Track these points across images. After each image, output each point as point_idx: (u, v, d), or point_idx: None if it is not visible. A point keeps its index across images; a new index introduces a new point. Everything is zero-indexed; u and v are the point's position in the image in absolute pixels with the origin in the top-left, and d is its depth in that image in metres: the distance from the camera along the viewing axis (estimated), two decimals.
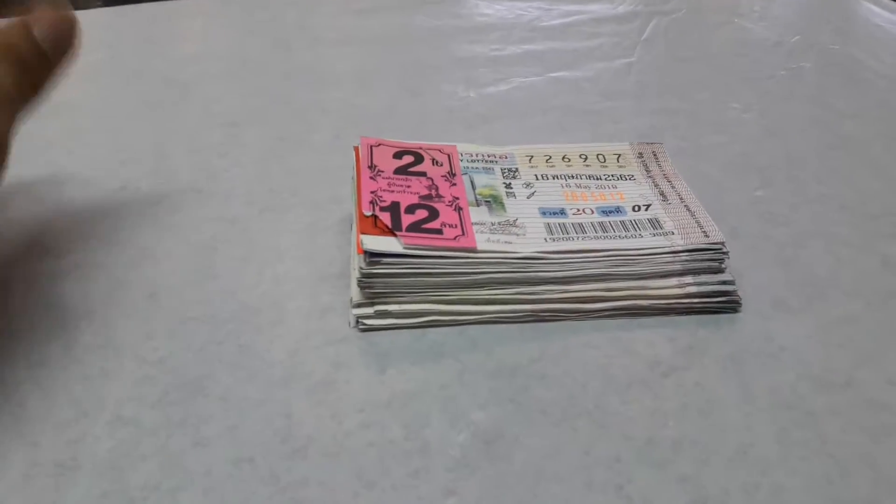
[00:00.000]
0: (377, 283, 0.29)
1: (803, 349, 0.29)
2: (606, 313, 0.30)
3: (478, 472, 0.24)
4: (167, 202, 0.36)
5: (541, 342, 0.29)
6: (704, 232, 0.31)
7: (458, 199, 0.32)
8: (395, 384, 0.27)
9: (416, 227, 0.29)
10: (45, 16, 0.28)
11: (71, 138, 0.41)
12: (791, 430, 0.26)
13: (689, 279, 0.30)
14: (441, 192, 0.32)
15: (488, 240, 0.30)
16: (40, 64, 0.27)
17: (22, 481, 0.23)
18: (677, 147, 0.40)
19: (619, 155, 0.35)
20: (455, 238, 0.29)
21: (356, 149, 0.33)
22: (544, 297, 0.29)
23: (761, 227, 0.35)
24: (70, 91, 0.45)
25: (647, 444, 0.25)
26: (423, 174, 0.33)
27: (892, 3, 0.60)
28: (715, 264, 0.30)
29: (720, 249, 0.30)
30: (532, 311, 0.29)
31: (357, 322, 0.29)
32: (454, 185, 0.32)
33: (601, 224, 0.31)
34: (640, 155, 0.35)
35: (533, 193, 0.33)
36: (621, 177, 0.34)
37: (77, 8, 0.57)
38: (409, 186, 0.32)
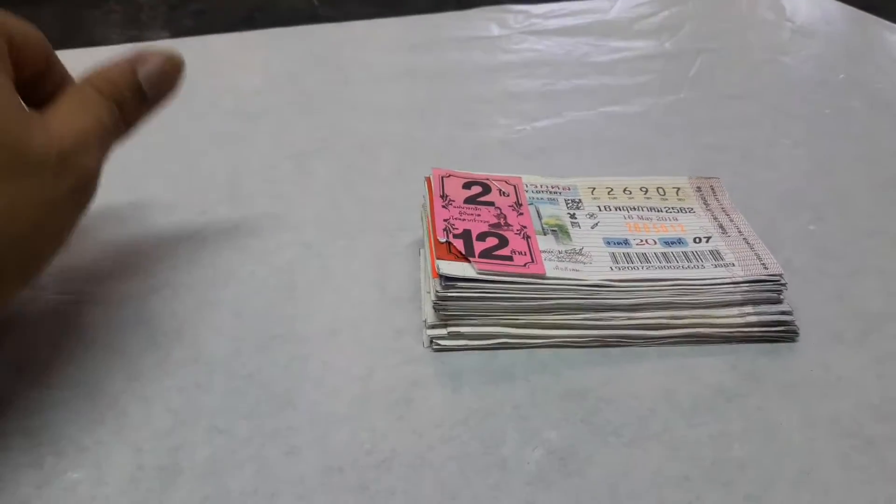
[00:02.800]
0: (451, 305, 0.30)
1: (860, 379, 0.30)
2: (671, 340, 0.31)
3: (554, 487, 0.25)
4: (245, 227, 0.38)
5: (608, 367, 0.30)
6: (763, 264, 0.32)
7: (525, 227, 0.33)
8: (470, 402, 0.28)
9: (487, 254, 0.31)
10: (153, 58, 0.30)
11: (150, 166, 0.43)
12: (852, 456, 0.27)
13: (749, 309, 0.31)
14: (509, 220, 0.33)
15: (556, 267, 0.31)
16: (138, 104, 0.29)
17: (130, 483, 0.25)
18: (730, 182, 0.41)
19: (679, 188, 0.37)
20: (525, 265, 0.31)
21: (428, 179, 0.35)
22: (611, 324, 0.31)
23: (815, 260, 0.36)
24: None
25: (713, 465, 0.26)
26: (492, 204, 0.34)
27: None
28: (773, 295, 0.31)
29: (779, 281, 0.31)
30: (599, 336, 0.31)
31: (431, 342, 0.30)
32: (521, 214, 0.34)
33: (664, 254, 0.32)
34: (699, 189, 0.37)
35: (597, 224, 0.34)
36: (681, 209, 0.35)
37: (145, 39, 0.60)
38: (479, 215, 0.33)
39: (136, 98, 0.29)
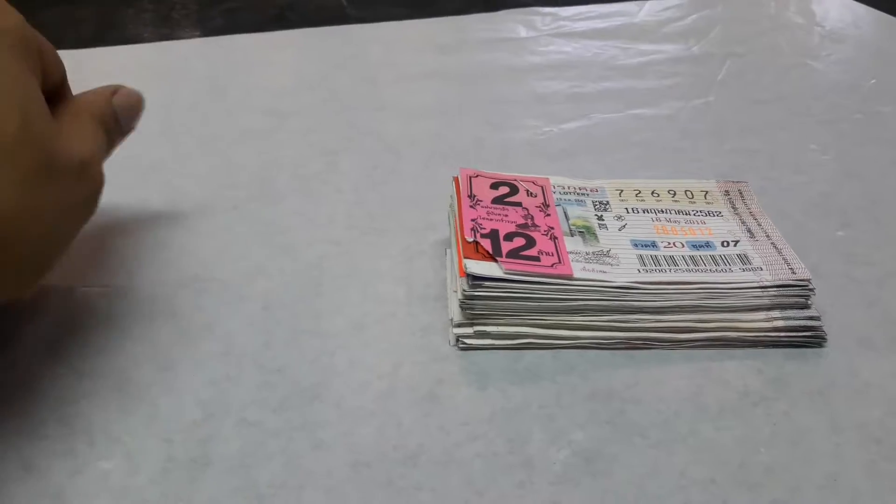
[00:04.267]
0: (478, 304, 0.30)
1: (889, 386, 0.30)
2: (697, 343, 0.31)
3: (580, 487, 0.25)
4: (275, 223, 0.38)
5: (634, 369, 0.30)
6: (791, 269, 0.32)
7: (552, 228, 0.33)
8: (496, 401, 0.28)
9: (515, 254, 0.31)
10: (123, 90, 0.32)
11: (182, 163, 0.44)
12: (879, 463, 0.26)
13: (776, 313, 0.31)
14: (536, 221, 0.33)
15: (584, 268, 0.31)
16: (115, 130, 0.32)
17: (161, 474, 0.25)
18: (758, 186, 0.41)
19: (707, 192, 0.37)
20: (552, 265, 0.31)
21: (455, 179, 0.35)
22: (637, 326, 0.31)
23: (844, 266, 0.36)
24: (176, 116, 0.49)
25: (740, 469, 0.26)
26: (519, 204, 0.34)
27: None
28: (801, 300, 0.31)
29: (806, 286, 0.31)
30: (625, 338, 0.31)
31: (457, 341, 0.31)
32: (548, 215, 0.34)
33: (692, 258, 0.32)
34: (727, 192, 0.37)
35: (624, 226, 0.34)
36: (709, 213, 0.35)
37: (176, 37, 0.61)
38: (506, 215, 0.33)
39: (116, 125, 0.31)
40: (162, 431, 0.27)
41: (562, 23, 0.65)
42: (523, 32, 0.63)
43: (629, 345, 0.31)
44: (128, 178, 0.35)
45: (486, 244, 0.31)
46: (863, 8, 0.69)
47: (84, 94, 0.31)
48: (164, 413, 0.27)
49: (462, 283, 0.30)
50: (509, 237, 0.32)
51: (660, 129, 0.48)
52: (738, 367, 0.30)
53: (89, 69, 0.53)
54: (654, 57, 0.59)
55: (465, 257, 0.31)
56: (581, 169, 0.44)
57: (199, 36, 0.62)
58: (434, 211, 0.38)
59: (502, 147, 0.46)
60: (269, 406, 0.28)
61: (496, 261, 0.31)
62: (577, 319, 0.31)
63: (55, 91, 0.30)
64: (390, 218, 0.39)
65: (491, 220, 0.33)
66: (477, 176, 0.36)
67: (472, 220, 0.33)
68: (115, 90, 0.32)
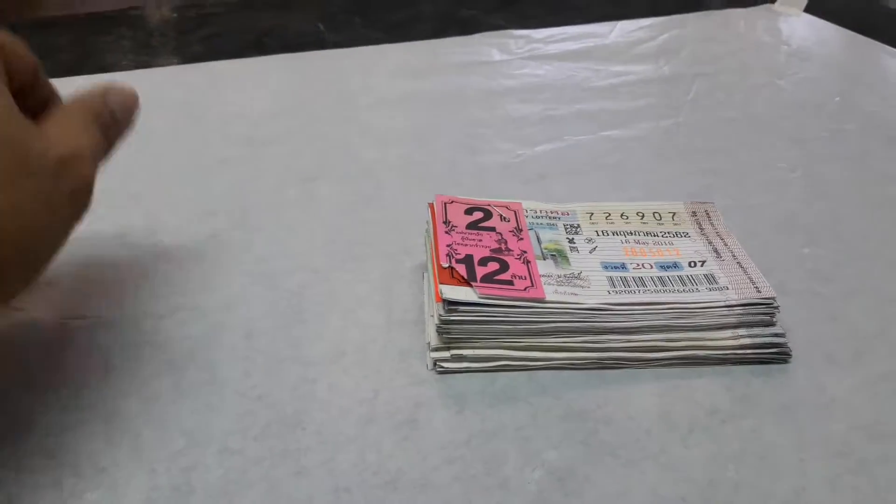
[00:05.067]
0: (454, 329, 0.31)
1: (853, 401, 0.31)
2: (666, 362, 0.32)
3: None
4: (254, 251, 0.39)
5: (606, 388, 0.31)
6: (756, 287, 0.33)
7: (525, 252, 0.34)
8: (473, 424, 0.29)
9: (489, 279, 0.32)
10: (117, 88, 0.32)
11: (159, 191, 0.44)
12: (843, 476, 0.28)
13: (742, 331, 0.32)
14: (510, 245, 0.34)
15: (555, 291, 0.32)
16: (115, 129, 0.32)
17: (146, 503, 0.26)
18: (726, 205, 0.42)
19: (674, 213, 0.38)
20: (525, 289, 0.32)
21: (431, 205, 0.36)
22: (608, 346, 0.32)
23: (809, 283, 0.37)
24: (155, 145, 0.49)
25: (709, 486, 0.27)
26: (493, 229, 0.35)
27: None
28: (766, 318, 0.32)
29: (771, 304, 0.32)
30: (597, 358, 0.32)
31: (435, 365, 0.31)
32: (521, 239, 0.35)
33: (660, 278, 0.33)
34: (694, 213, 0.38)
35: (595, 248, 0.35)
36: (677, 234, 0.37)
37: (155, 64, 0.61)
38: (480, 240, 0.34)
39: (112, 122, 0.31)
40: (146, 461, 0.27)
41: (535, 45, 0.66)
42: (497, 56, 0.64)
43: (601, 365, 0.32)
44: (107, 208, 0.35)
45: (461, 269, 0.32)
46: (828, 26, 0.71)
47: (77, 94, 0.31)
48: (148, 443, 0.28)
49: (438, 309, 0.31)
50: (483, 262, 0.33)
51: (631, 151, 0.49)
52: (706, 385, 0.31)
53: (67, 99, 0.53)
54: (625, 78, 0.60)
55: (441, 283, 0.31)
56: (554, 192, 0.45)
57: (178, 63, 0.62)
58: (411, 236, 0.39)
59: (477, 171, 0.47)
60: (250, 434, 0.28)
61: (471, 286, 0.31)
62: (551, 341, 0.32)
63: (27, 88, 0.30)
64: (369, 244, 0.40)
65: (465, 245, 0.34)
66: (452, 202, 0.37)
67: (448, 245, 0.34)
68: (108, 88, 0.32)
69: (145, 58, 0.63)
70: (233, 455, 0.27)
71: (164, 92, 0.57)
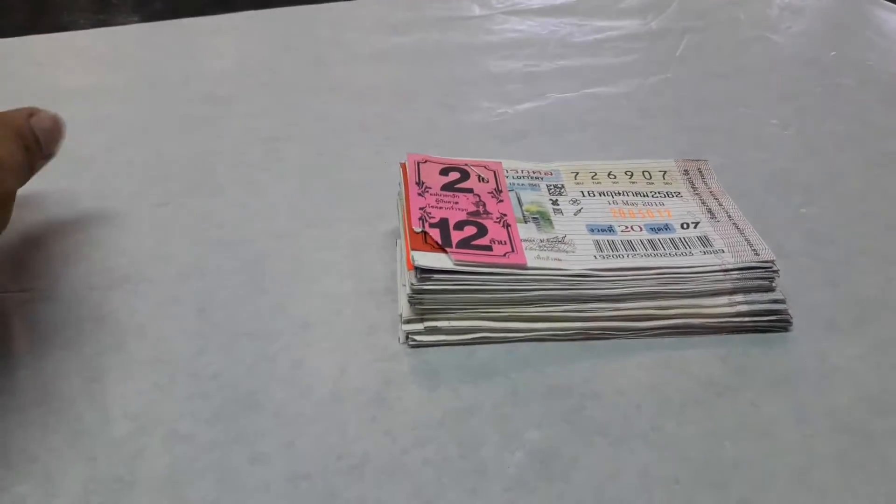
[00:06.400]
0: (427, 299, 0.29)
1: (857, 370, 0.29)
2: (658, 332, 0.29)
3: (536, 493, 0.24)
4: (213, 217, 0.36)
5: (592, 361, 0.28)
6: (754, 250, 0.31)
7: (505, 215, 0.31)
8: (448, 402, 0.27)
9: (465, 244, 0.29)
10: (43, 113, 0.31)
11: (113, 153, 0.41)
12: (850, 453, 0.25)
13: (739, 297, 0.30)
14: (488, 208, 0.32)
15: (538, 256, 0.29)
16: (38, 152, 0.31)
17: (82, 496, 0.23)
18: (718, 164, 0.40)
19: (665, 172, 0.35)
20: (505, 255, 0.29)
21: (403, 165, 0.33)
22: (595, 315, 0.29)
23: (808, 245, 0.35)
24: (110, 106, 0.46)
25: (705, 466, 0.25)
26: (470, 191, 0.33)
27: None
28: (765, 283, 0.30)
29: (770, 268, 0.30)
30: (582, 328, 0.29)
31: (407, 338, 0.29)
32: (501, 201, 0.32)
33: (650, 241, 0.31)
34: (686, 172, 0.35)
35: (580, 210, 0.33)
36: (668, 194, 0.34)
37: (114, 23, 0.58)
38: (456, 203, 0.32)
39: (35, 144, 0.30)
40: (86, 449, 0.25)
41: (516, 0, 0.63)
42: (477, 10, 0.61)
43: (587, 335, 0.29)
44: (55, 172, 0.32)
45: (435, 234, 0.29)
46: None
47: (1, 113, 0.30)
48: (90, 428, 0.25)
49: (410, 277, 0.29)
50: (459, 226, 0.30)
51: (617, 108, 0.47)
52: (701, 356, 0.29)
53: (21, 59, 0.50)
54: (610, 33, 0.57)
55: (413, 249, 0.29)
56: (536, 151, 0.42)
57: (138, 21, 0.59)
58: (384, 199, 0.36)
59: (456, 130, 0.44)
60: (202, 417, 0.26)
61: (446, 251, 0.29)
62: (533, 311, 0.29)
63: None
64: (337, 208, 0.37)
65: (440, 208, 0.31)
66: (426, 161, 0.34)
67: (421, 208, 0.31)
68: (32, 112, 0.31)
69: (103, 16, 0.59)
70: (182, 441, 0.25)
71: (122, 52, 0.53)
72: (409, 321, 0.29)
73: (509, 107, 0.47)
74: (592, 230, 0.32)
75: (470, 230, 0.30)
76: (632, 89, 0.49)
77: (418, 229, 0.30)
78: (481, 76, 0.51)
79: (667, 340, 0.29)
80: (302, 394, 0.27)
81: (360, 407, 0.26)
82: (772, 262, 0.30)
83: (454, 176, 0.33)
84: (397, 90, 0.49)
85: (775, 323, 0.30)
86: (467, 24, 0.59)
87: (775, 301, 0.30)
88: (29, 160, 0.30)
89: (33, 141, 0.30)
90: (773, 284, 0.30)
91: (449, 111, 0.46)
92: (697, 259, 0.30)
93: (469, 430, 0.25)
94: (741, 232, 0.32)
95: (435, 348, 0.29)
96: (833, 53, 0.54)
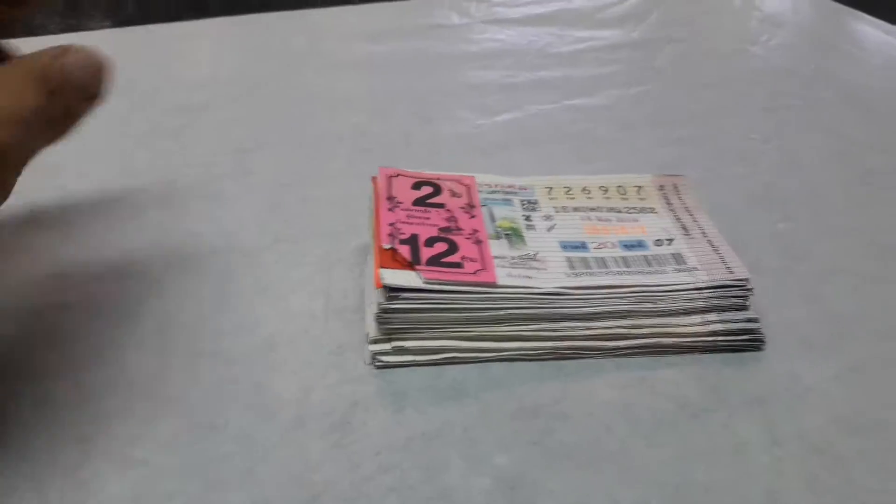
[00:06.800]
0: (395, 318, 0.28)
1: (831, 390, 0.28)
2: (630, 351, 0.29)
3: None
4: (178, 231, 0.35)
5: (563, 381, 0.28)
6: (728, 268, 0.30)
7: (477, 231, 0.31)
8: (414, 425, 0.26)
9: (435, 261, 0.29)
10: (79, 48, 0.27)
11: (80, 163, 0.40)
12: (821, 475, 0.25)
13: (713, 316, 0.29)
14: (460, 224, 0.31)
15: (509, 274, 0.29)
16: (65, 93, 0.27)
17: None
18: (698, 177, 0.39)
19: (640, 187, 0.35)
20: (475, 272, 0.29)
21: (374, 179, 0.33)
22: (566, 335, 0.29)
23: (784, 261, 0.35)
24: None
25: (676, 490, 0.24)
26: (442, 206, 0.32)
27: None
28: (739, 301, 0.30)
29: (745, 286, 0.30)
30: (554, 348, 0.29)
31: (373, 358, 0.28)
32: (473, 217, 0.32)
33: (624, 259, 0.30)
34: (662, 187, 0.35)
35: (553, 226, 0.32)
36: (642, 209, 0.33)
37: (85, 28, 0.57)
38: (427, 218, 0.31)
39: (69, 85, 0.26)
40: (34, 475, 0.24)
41: (496, 9, 0.62)
42: (456, 20, 0.60)
43: (558, 355, 0.29)
44: (18, 183, 0.31)
45: (405, 251, 0.29)
46: None
47: (28, 54, 0.27)
48: (39, 454, 0.24)
49: (378, 296, 0.28)
50: (430, 242, 0.30)
51: (597, 120, 0.46)
52: (673, 376, 0.28)
53: None
54: (591, 43, 0.57)
55: (381, 266, 0.28)
56: (514, 164, 0.41)
57: (110, 26, 0.58)
58: (357, 213, 0.35)
59: (432, 142, 0.44)
60: (158, 442, 0.25)
61: (415, 269, 0.28)
62: (503, 330, 0.29)
63: None
64: (308, 222, 0.36)
65: (411, 223, 0.31)
66: (398, 175, 0.33)
67: (390, 224, 0.30)
68: (64, 50, 0.27)
69: (74, 21, 0.58)
70: (138, 467, 0.24)
71: None
72: (375, 341, 0.28)
73: (487, 118, 0.46)
74: (565, 247, 0.31)
75: (441, 247, 0.30)
76: (612, 101, 0.49)
77: (387, 246, 0.29)
78: (459, 87, 0.50)
79: (639, 360, 0.29)
80: (265, 418, 0.26)
81: (324, 431, 0.25)
82: (746, 280, 0.30)
83: (426, 190, 0.33)
84: (373, 100, 0.48)
85: (749, 342, 0.29)
86: (446, 33, 0.58)
87: (749, 320, 0.29)
88: (56, 107, 0.27)
89: (61, 80, 0.26)
90: (747, 303, 0.30)
91: (425, 123, 0.46)
92: (671, 277, 0.30)
93: (435, 455, 0.25)
94: (716, 249, 0.31)
95: (403, 369, 0.28)
96: (813, 66, 0.54)
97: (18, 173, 0.26)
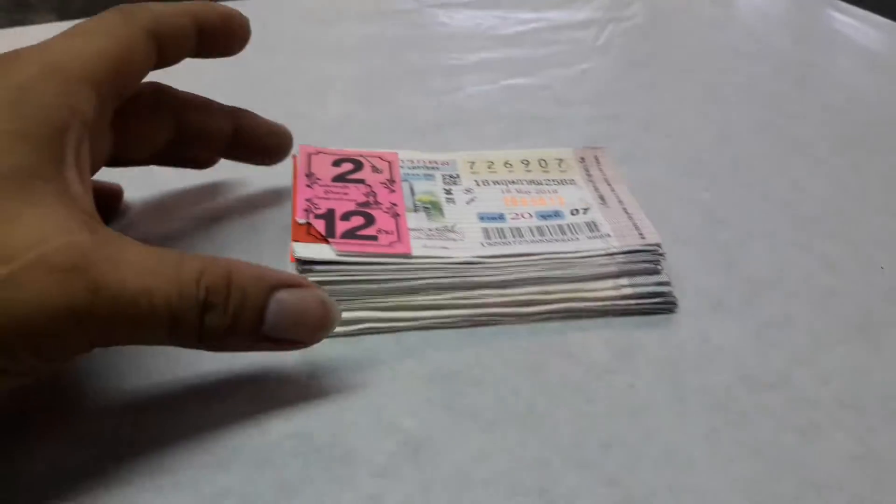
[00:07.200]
0: None
1: (740, 350, 0.29)
2: (543, 316, 0.29)
3: (402, 479, 0.24)
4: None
5: (477, 347, 0.29)
6: (641, 234, 0.31)
7: (395, 205, 0.32)
8: (326, 391, 0.27)
9: (350, 234, 0.29)
10: (297, 292, 0.24)
11: None
12: (722, 431, 0.26)
13: (624, 281, 0.30)
14: (379, 198, 0.32)
15: (424, 245, 0.30)
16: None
17: None
18: (627, 152, 0.40)
19: (561, 160, 0.35)
20: (390, 244, 0.29)
21: (294, 157, 0.33)
22: (481, 302, 0.29)
23: (705, 229, 0.35)
24: None
25: (575, 447, 0.25)
26: (362, 181, 0.33)
27: (854, 7, 0.60)
28: (651, 266, 0.30)
29: (656, 251, 0.30)
30: (469, 315, 0.29)
31: None
32: (393, 191, 0.32)
33: (538, 228, 0.31)
34: (582, 159, 0.36)
35: (473, 199, 0.33)
36: (562, 181, 0.34)
37: (31, 22, 0.57)
38: (346, 194, 0.32)
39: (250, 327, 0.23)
40: None
41: None
42: (405, 5, 0.61)
43: (473, 322, 0.29)
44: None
45: (320, 225, 0.29)
46: None
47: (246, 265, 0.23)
48: None
49: (292, 269, 0.28)
50: (346, 217, 0.30)
51: (533, 99, 0.47)
52: (584, 339, 0.29)
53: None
54: (535, 25, 0.57)
55: (295, 240, 0.29)
56: (449, 144, 0.42)
57: (56, 20, 0.58)
58: (285, 195, 0.36)
59: (369, 124, 0.44)
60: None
61: (328, 242, 0.29)
62: (419, 300, 0.29)
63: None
64: (237, 204, 0.36)
65: (328, 199, 0.31)
66: (318, 153, 0.34)
67: (307, 199, 0.31)
68: (292, 283, 0.23)
69: (19, 15, 0.58)
70: None
71: None
72: None
73: (426, 100, 0.47)
74: (483, 218, 0.32)
75: (357, 220, 0.30)
76: (550, 80, 0.49)
77: (302, 220, 0.30)
78: (403, 71, 0.51)
79: (554, 325, 0.30)
80: (178, 386, 0.26)
81: (237, 400, 0.26)
82: (657, 245, 0.30)
83: (347, 167, 0.33)
84: (315, 85, 0.48)
85: (660, 305, 0.30)
86: (394, 17, 0.59)
87: (660, 283, 0.30)
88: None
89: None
90: (659, 267, 0.31)
91: (364, 106, 0.46)
92: (583, 244, 0.30)
93: (343, 421, 0.25)
94: (630, 217, 0.32)
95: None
96: (756, 44, 0.55)
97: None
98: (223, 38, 0.29)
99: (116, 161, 0.30)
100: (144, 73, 0.27)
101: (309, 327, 0.24)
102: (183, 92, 0.31)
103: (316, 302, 0.24)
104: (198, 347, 0.23)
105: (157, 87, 0.30)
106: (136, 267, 0.20)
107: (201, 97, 0.32)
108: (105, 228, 0.21)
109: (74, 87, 0.23)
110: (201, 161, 0.34)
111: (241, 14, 0.30)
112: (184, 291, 0.21)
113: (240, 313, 0.22)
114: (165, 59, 0.27)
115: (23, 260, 0.19)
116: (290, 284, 0.23)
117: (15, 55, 0.23)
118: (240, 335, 0.22)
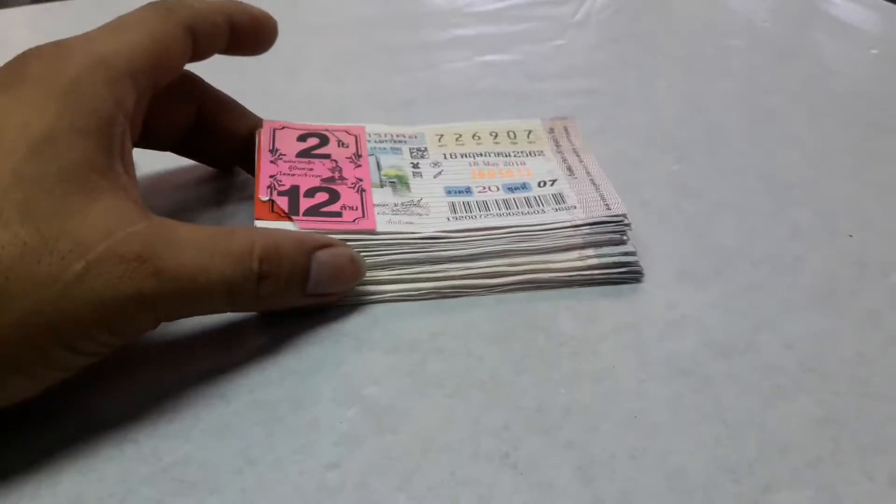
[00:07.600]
0: None
1: (705, 317, 0.29)
2: (509, 288, 0.30)
3: (364, 446, 0.24)
4: None
5: (443, 318, 0.29)
6: (607, 205, 0.31)
7: (361, 180, 0.31)
8: (290, 363, 0.27)
9: (314, 211, 0.29)
10: (335, 248, 0.27)
11: None
12: (685, 396, 0.26)
13: (590, 251, 0.30)
14: (344, 174, 0.32)
15: (389, 221, 0.30)
16: (292, 285, 0.26)
17: None
18: (599, 126, 0.40)
19: (530, 131, 0.35)
20: (354, 220, 0.29)
21: (258, 133, 0.33)
22: (447, 275, 0.29)
23: (674, 200, 0.35)
24: None
25: (537, 412, 0.25)
26: (328, 156, 0.33)
27: None
28: (616, 236, 0.30)
29: (622, 221, 0.30)
30: (435, 288, 0.29)
31: None
32: (359, 166, 0.32)
33: (505, 201, 0.31)
34: (551, 130, 0.35)
35: (440, 173, 0.33)
36: (530, 153, 0.34)
37: (5, 5, 0.56)
38: (311, 169, 0.32)
39: (298, 282, 0.26)
40: None
41: None
42: None
43: (439, 294, 0.29)
44: None
45: (283, 202, 0.29)
46: None
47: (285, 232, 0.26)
48: None
49: None
50: (310, 193, 0.30)
51: (507, 75, 0.47)
52: (549, 308, 0.29)
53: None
54: (511, 2, 0.57)
55: (257, 218, 0.29)
56: (420, 120, 0.42)
57: (30, 2, 0.57)
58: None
59: (340, 101, 0.44)
60: None
61: (291, 220, 0.29)
62: (384, 274, 0.29)
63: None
64: (205, 180, 0.36)
65: (293, 175, 0.31)
66: (283, 128, 0.34)
67: (271, 176, 0.31)
68: (325, 244, 0.26)
69: None
70: None
71: (9, 36, 0.52)
72: None
73: (398, 77, 0.47)
74: (449, 192, 0.32)
75: (321, 197, 0.30)
76: (524, 56, 0.49)
77: (265, 198, 0.29)
78: (375, 48, 0.51)
79: (519, 295, 0.30)
80: (139, 356, 0.26)
81: (200, 370, 0.26)
82: (623, 215, 0.31)
83: (312, 142, 0.33)
84: (286, 62, 0.48)
85: (626, 275, 0.30)
86: None
87: (626, 254, 0.30)
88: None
89: (294, 276, 0.25)
90: (625, 238, 0.31)
91: (336, 83, 0.46)
92: (549, 216, 0.30)
93: (306, 390, 0.26)
94: (597, 188, 0.32)
95: (283, 315, 0.28)
96: (729, 16, 0.55)
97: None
98: (253, 38, 0.31)
99: (136, 145, 0.30)
100: (180, 68, 0.28)
101: (343, 281, 0.27)
102: (210, 85, 0.32)
103: (347, 258, 0.27)
104: (253, 311, 0.27)
105: (186, 76, 0.31)
106: (191, 248, 0.22)
107: (227, 95, 0.33)
108: (154, 216, 0.23)
109: (119, 81, 0.24)
110: (216, 158, 0.34)
111: (271, 17, 0.31)
112: (239, 265, 0.23)
113: (290, 278, 0.25)
114: (198, 54, 0.28)
115: (95, 253, 0.21)
116: (324, 245, 0.26)
117: (66, 46, 0.24)
118: (290, 296, 0.26)
